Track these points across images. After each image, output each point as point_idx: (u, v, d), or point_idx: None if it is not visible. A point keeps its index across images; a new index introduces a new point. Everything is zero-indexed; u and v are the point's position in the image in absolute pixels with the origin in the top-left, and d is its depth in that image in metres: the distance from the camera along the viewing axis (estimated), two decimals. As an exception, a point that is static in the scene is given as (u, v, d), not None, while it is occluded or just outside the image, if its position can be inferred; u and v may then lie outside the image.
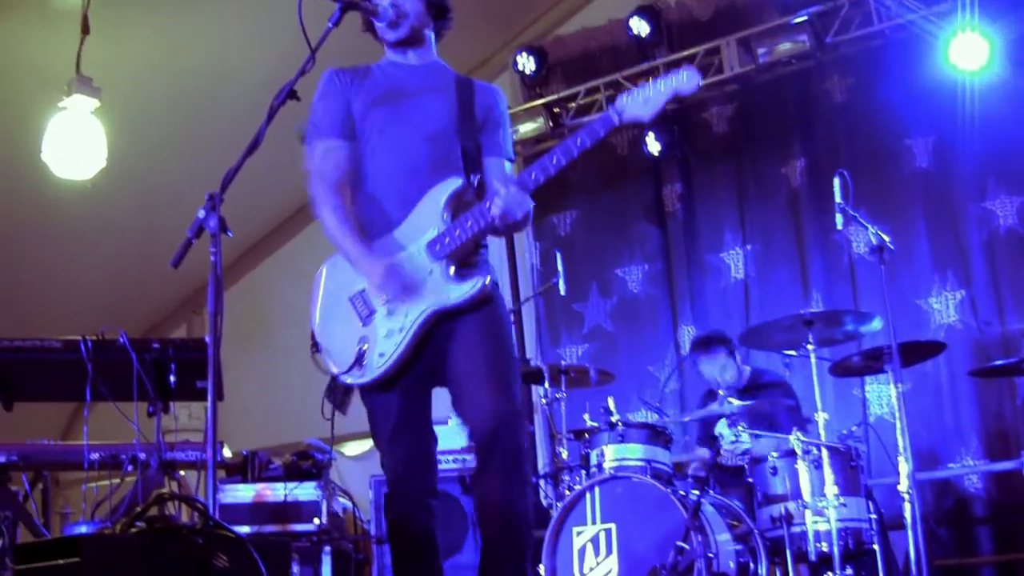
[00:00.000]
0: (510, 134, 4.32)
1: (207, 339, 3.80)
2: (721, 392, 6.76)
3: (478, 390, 3.92)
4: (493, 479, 3.92)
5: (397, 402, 4.09)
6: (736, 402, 6.28)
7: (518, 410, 3.94)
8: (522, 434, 3.94)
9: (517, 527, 3.94)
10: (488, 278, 3.97)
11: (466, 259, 4.04)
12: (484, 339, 3.99)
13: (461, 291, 3.94)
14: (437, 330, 4.02)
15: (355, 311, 4.12)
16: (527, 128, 9.61)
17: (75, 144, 7.95)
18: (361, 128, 4.21)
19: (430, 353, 4.05)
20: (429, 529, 4.07)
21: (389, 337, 4.02)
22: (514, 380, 3.99)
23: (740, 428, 6.27)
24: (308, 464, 7.04)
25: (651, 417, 7.06)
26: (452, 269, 3.98)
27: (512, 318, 4.19)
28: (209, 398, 3.77)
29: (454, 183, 4.02)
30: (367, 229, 4.13)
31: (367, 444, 9.20)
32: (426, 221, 4.02)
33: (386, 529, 4.42)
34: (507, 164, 4.24)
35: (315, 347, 4.22)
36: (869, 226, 6.03)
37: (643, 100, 3.75)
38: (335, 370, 4.13)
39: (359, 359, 4.04)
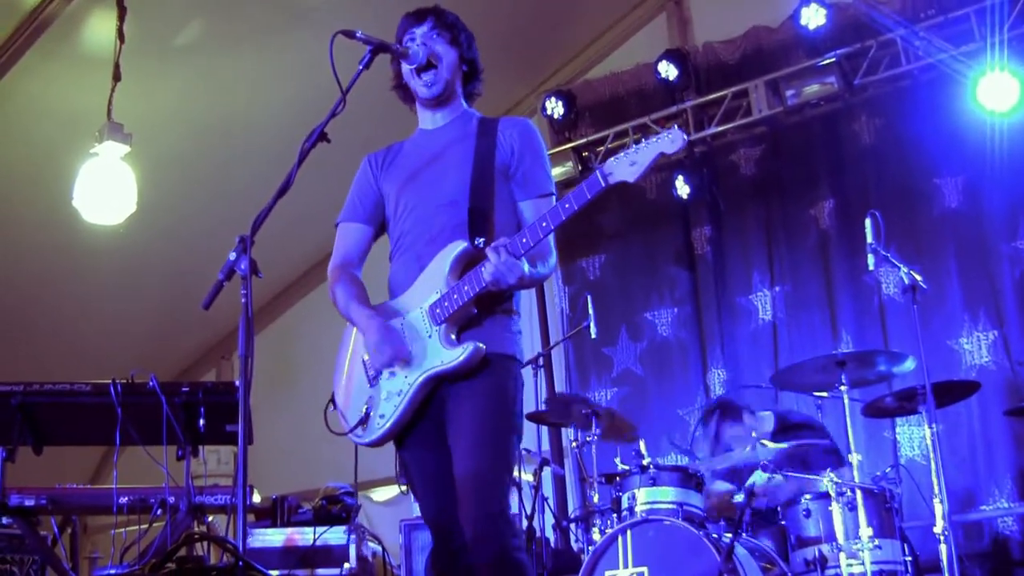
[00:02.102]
0: (544, 165, 4.26)
1: (237, 383, 3.79)
2: (754, 434, 6.68)
3: (460, 481, 3.89)
4: None
5: (420, 458, 4.11)
6: (771, 444, 6.19)
7: (493, 510, 3.85)
8: (500, 552, 3.83)
9: None
10: (481, 345, 3.93)
11: (469, 323, 4.03)
12: (475, 411, 3.94)
13: (453, 356, 3.93)
14: (438, 392, 4.04)
15: (364, 372, 4.17)
16: (556, 172, 9.58)
17: (106, 189, 7.99)
18: (390, 206, 4.31)
19: (435, 412, 4.06)
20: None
21: (389, 400, 4.06)
22: (498, 459, 3.92)
23: (777, 477, 6.18)
24: (337, 508, 7.02)
25: (682, 460, 7.01)
26: (451, 333, 3.99)
27: (519, 378, 4.12)
28: (240, 440, 3.75)
29: (457, 246, 4.02)
30: (392, 296, 4.20)
31: (395, 489, 9.19)
32: (430, 285, 4.04)
33: None
34: (542, 200, 4.20)
35: (333, 403, 4.25)
36: (901, 266, 5.99)
37: (629, 163, 3.75)
38: (344, 428, 4.18)
39: (364, 419, 4.10)
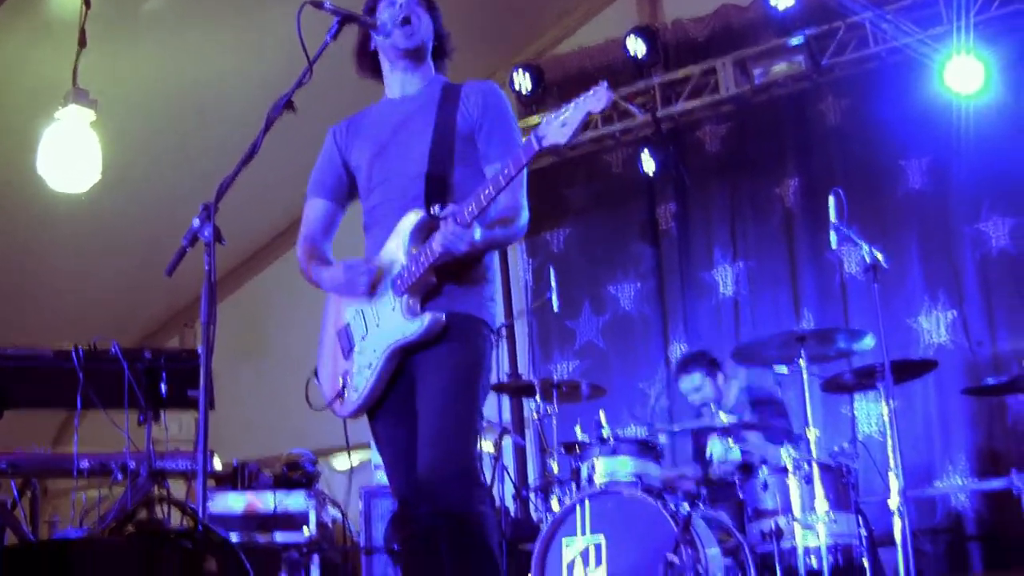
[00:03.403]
0: (508, 126, 4.25)
1: (199, 349, 3.81)
2: (712, 408, 6.77)
3: (421, 448, 3.92)
4: (445, 539, 3.94)
5: (392, 427, 4.13)
6: (726, 416, 6.27)
7: (455, 470, 3.89)
8: (457, 496, 3.88)
9: None
10: (440, 315, 3.97)
11: (436, 292, 4.05)
12: (438, 381, 3.98)
13: (413, 327, 3.97)
14: (407, 362, 4.07)
15: (340, 345, 4.20)
16: (522, 145, 9.60)
17: (70, 156, 7.92)
18: (361, 179, 4.33)
19: (405, 383, 4.09)
20: (439, 550, 4.07)
21: (360, 373, 4.10)
22: (459, 427, 3.94)
23: (730, 443, 6.26)
24: (298, 474, 7.05)
25: (642, 432, 7.07)
26: (413, 304, 4.01)
27: (489, 341, 4.13)
28: (201, 405, 3.77)
29: (414, 217, 4.05)
30: None
31: (356, 457, 9.22)
32: (392, 256, 4.07)
33: (398, 551, 4.47)
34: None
35: (315, 376, 4.30)
36: (863, 245, 6.02)
37: (560, 124, 3.75)
38: (324, 401, 4.22)
39: (341, 392, 4.15)
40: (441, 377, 3.98)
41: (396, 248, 4.06)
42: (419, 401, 4.00)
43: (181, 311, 11.88)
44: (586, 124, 3.87)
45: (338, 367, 4.20)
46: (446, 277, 4.05)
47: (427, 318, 3.95)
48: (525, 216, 4.14)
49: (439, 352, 4.00)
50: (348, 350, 4.16)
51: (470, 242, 3.90)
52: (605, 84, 3.76)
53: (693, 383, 7.32)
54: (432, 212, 4.02)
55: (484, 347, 4.11)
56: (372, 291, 4.09)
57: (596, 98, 3.74)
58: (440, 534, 3.95)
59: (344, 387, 4.14)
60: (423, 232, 4.02)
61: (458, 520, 3.88)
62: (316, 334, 4.38)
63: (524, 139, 3.86)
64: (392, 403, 4.12)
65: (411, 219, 4.04)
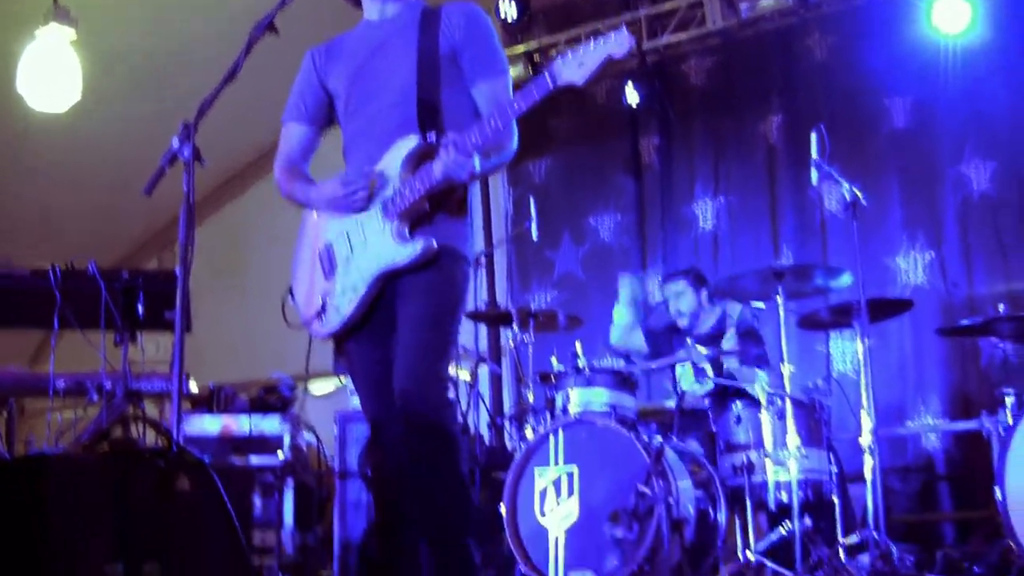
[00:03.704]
0: (492, 45, 4.24)
1: (177, 270, 3.81)
2: (688, 340, 6.80)
3: (398, 363, 3.96)
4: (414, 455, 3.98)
5: (369, 350, 4.15)
6: (703, 349, 6.31)
7: (429, 392, 3.94)
8: (434, 417, 3.93)
9: (435, 511, 3.99)
10: (433, 241, 3.98)
11: (421, 218, 4.05)
12: (418, 308, 4.00)
13: (405, 252, 3.98)
14: (389, 287, 4.08)
15: (321, 265, 4.20)
16: (505, 73, 9.55)
17: (50, 74, 7.87)
18: (339, 105, 4.31)
19: (384, 307, 4.10)
20: (409, 474, 4.10)
21: (344, 294, 4.10)
22: (435, 354, 3.98)
23: (708, 370, 6.32)
24: (274, 398, 7.07)
25: (618, 364, 7.09)
26: (403, 229, 4.01)
27: (468, 275, 4.15)
28: (176, 327, 3.78)
29: (409, 142, 4.03)
30: None
31: (335, 383, 9.23)
32: (384, 179, 4.06)
33: (370, 475, 4.50)
34: (496, 81, 4.20)
35: (291, 295, 4.30)
36: (844, 183, 6.02)
37: (577, 64, 3.72)
38: (300, 320, 4.24)
39: (319, 313, 4.16)
40: (421, 305, 4.00)
41: (389, 171, 4.05)
42: (399, 326, 4.01)
43: (160, 233, 11.84)
44: (604, 70, 3.82)
45: (317, 287, 4.20)
46: (435, 209, 4.05)
47: (419, 244, 3.96)
48: (515, 143, 4.14)
49: (421, 280, 4.01)
50: (330, 271, 4.16)
51: (471, 171, 3.91)
52: (625, 29, 3.73)
53: (676, 288, 7.36)
54: (427, 139, 4.01)
55: (463, 279, 4.14)
56: (360, 212, 4.09)
57: (618, 43, 3.70)
58: (411, 456, 3.98)
59: (324, 308, 4.15)
60: (418, 158, 4.02)
61: (429, 439, 3.91)
62: (291, 259, 4.38)
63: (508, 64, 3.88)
64: (369, 327, 4.14)
65: (407, 144, 4.03)
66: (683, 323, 7.30)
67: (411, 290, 4.02)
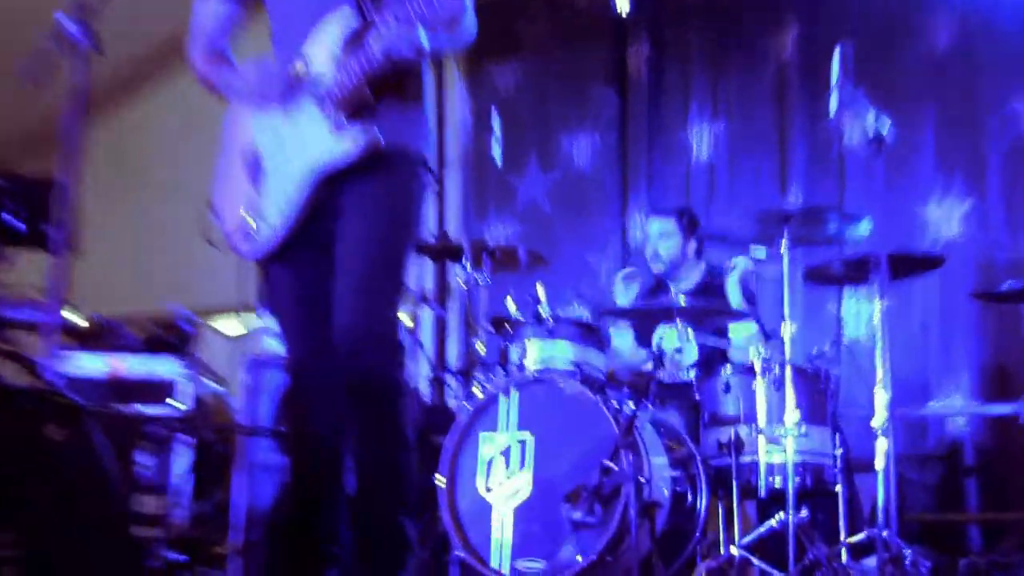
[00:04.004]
0: None
1: (61, 177, 3.75)
2: (673, 291, 6.76)
3: (339, 295, 3.95)
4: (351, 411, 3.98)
5: (298, 276, 4.15)
6: (683, 298, 6.28)
7: (377, 330, 3.93)
8: (381, 365, 3.93)
9: (376, 484, 4.01)
10: (376, 131, 3.94)
11: (363, 109, 4.01)
12: (364, 222, 3.99)
13: (344, 147, 3.95)
14: (329, 192, 4.04)
15: (246, 170, 4.15)
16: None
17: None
18: None
19: (322, 220, 4.07)
20: (338, 430, 4.08)
21: (274, 204, 4.07)
22: (385, 281, 3.98)
23: (689, 334, 6.29)
24: (172, 336, 7.02)
25: (586, 314, 7.05)
26: (342, 120, 3.98)
27: (425, 184, 4.12)
28: (56, 244, 3.72)
29: (343, 17, 4.01)
30: None
31: (245, 321, 9.17)
32: (317, 64, 4.03)
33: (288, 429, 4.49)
34: None
35: (211, 209, 4.25)
36: (869, 111, 6.00)
37: None
38: (223, 239, 4.22)
39: (246, 229, 4.12)
40: (368, 218, 3.99)
41: (322, 54, 4.01)
42: (339, 244, 3.99)
43: (46, 133, 11.70)
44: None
45: (242, 198, 4.16)
46: (379, 97, 3.99)
47: (363, 137, 3.92)
48: (471, 21, 4.12)
49: (367, 188, 4.00)
50: (256, 176, 4.12)
51: (415, 45, 3.86)
52: None
53: (663, 227, 7.30)
54: (364, 10, 3.96)
55: (419, 188, 4.11)
56: (290, 102, 4.03)
57: None
58: (348, 413, 3.96)
59: (251, 223, 4.10)
60: (355, 39, 3.97)
61: (373, 393, 3.90)
62: (212, 167, 4.32)
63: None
64: (301, 248, 4.11)
65: (340, 20, 3.99)
66: (658, 268, 7.28)
67: (355, 201, 4.00)
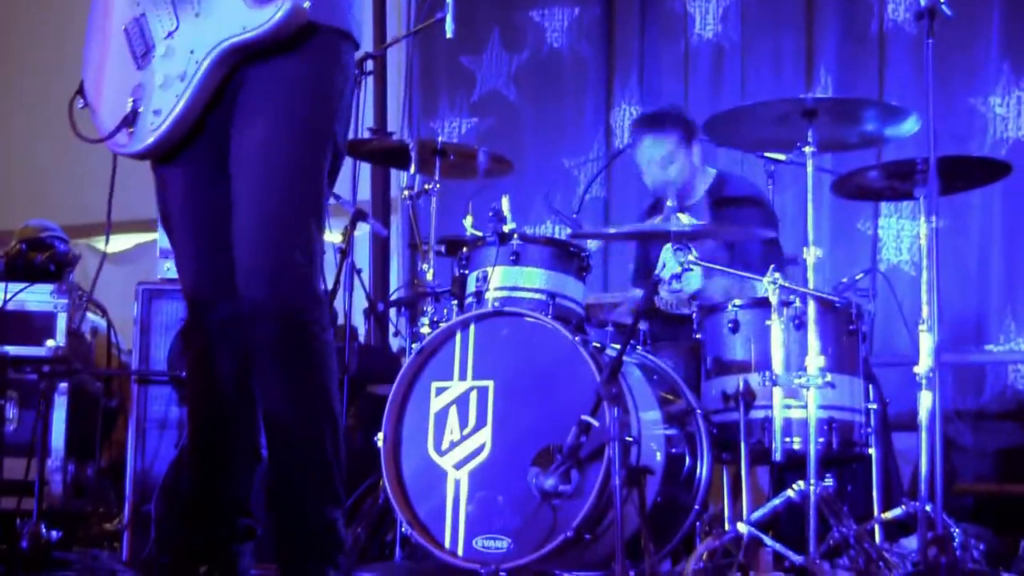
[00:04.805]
0: None
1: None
2: (669, 203, 6.71)
3: (240, 217, 4.00)
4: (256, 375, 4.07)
5: (191, 178, 4.20)
6: (687, 219, 6.23)
7: (287, 260, 3.99)
8: (294, 304, 4.00)
9: (289, 453, 4.09)
10: (303, 3, 3.96)
11: None
12: (273, 116, 4.04)
13: (260, 19, 3.97)
14: (232, 78, 4.08)
15: (129, 47, 4.17)
16: None
17: None
18: None
19: (224, 110, 4.11)
20: (243, 373, 4.14)
21: (167, 87, 4.09)
22: (298, 195, 4.05)
23: (689, 258, 6.22)
24: (43, 258, 7.03)
25: (562, 232, 7.06)
26: None
27: (350, 66, 4.14)
28: None
29: None
30: None
31: (133, 239, 9.23)
32: None
33: (185, 373, 4.52)
34: None
35: (81, 96, 4.26)
36: (919, -25, 5.99)
37: None
38: (100, 131, 4.21)
39: (130, 117, 4.13)
40: (279, 113, 4.03)
41: None
42: (239, 142, 4.05)
43: None
44: None
45: (123, 81, 4.18)
46: None
47: (285, 6, 3.94)
48: None
49: (279, 71, 4.04)
50: (144, 53, 4.14)
51: None
52: None
53: (662, 149, 7.23)
54: None
55: (344, 73, 4.16)
56: None
57: None
58: (252, 351, 4.02)
59: (135, 111, 4.11)
60: None
61: (283, 344, 3.97)
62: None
63: None
64: (203, 138, 4.15)
65: None
66: (670, 192, 6.93)
67: (264, 90, 4.04)
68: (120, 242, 9.86)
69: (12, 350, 6.75)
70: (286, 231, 3.97)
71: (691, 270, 6.01)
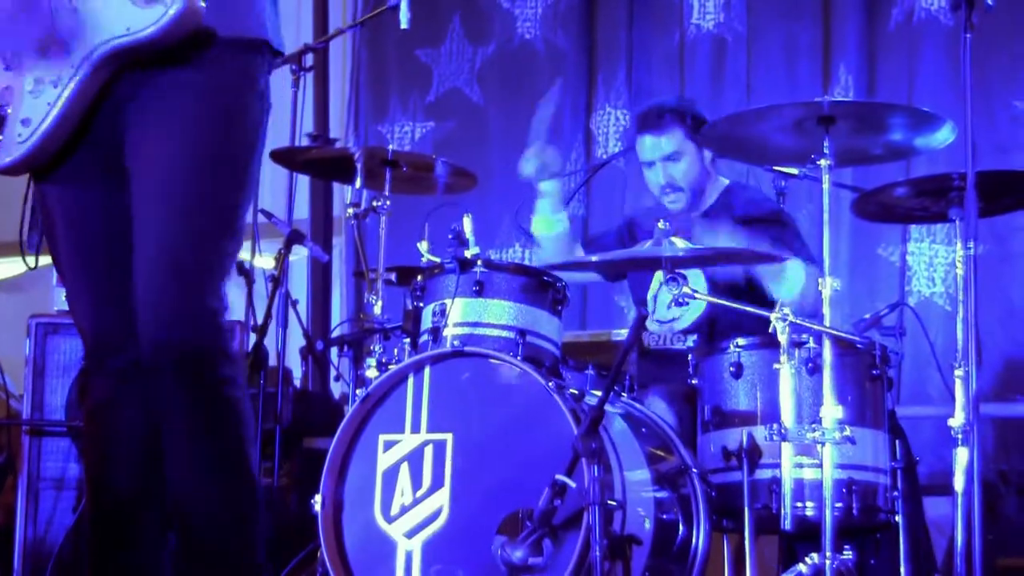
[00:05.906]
0: None
1: None
2: (661, 225, 6.63)
3: (139, 250, 4.00)
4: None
5: (76, 201, 4.23)
6: (682, 242, 6.23)
7: (192, 304, 4.00)
8: (199, 349, 4.00)
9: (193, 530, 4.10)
10: (198, 3, 3.96)
11: None
12: (175, 127, 4.05)
13: (148, 19, 3.97)
14: (119, 87, 4.10)
15: (-1, 48, 4.18)
16: None
17: None
18: None
19: (109, 123, 4.13)
20: (153, 430, 4.14)
21: (39, 94, 4.09)
22: (201, 230, 4.05)
23: (684, 289, 6.15)
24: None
25: (534, 258, 7.02)
26: None
27: (267, 79, 4.14)
28: None
29: None
30: None
31: (19, 266, 9.20)
32: None
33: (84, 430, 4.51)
34: None
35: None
36: (954, -40, 6.00)
37: None
38: None
39: (-4, 128, 4.13)
40: (175, 134, 4.04)
41: None
42: (134, 166, 4.06)
43: None
44: None
45: None
46: None
47: (176, 4, 3.94)
48: None
49: (178, 81, 4.06)
50: (13, 56, 4.15)
51: None
52: None
53: (665, 148, 7.23)
54: None
55: (256, 85, 4.18)
56: None
57: None
58: (154, 407, 4.02)
59: (3, 118, 4.13)
60: None
61: (192, 393, 3.97)
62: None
63: None
64: (85, 154, 4.17)
65: None
66: (676, 205, 7.17)
67: (160, 99, 4.06)
68: (8, 267, 9.84)
69: None
70: (191, 265, 3.99)
71: (686, 304, 6.02)
